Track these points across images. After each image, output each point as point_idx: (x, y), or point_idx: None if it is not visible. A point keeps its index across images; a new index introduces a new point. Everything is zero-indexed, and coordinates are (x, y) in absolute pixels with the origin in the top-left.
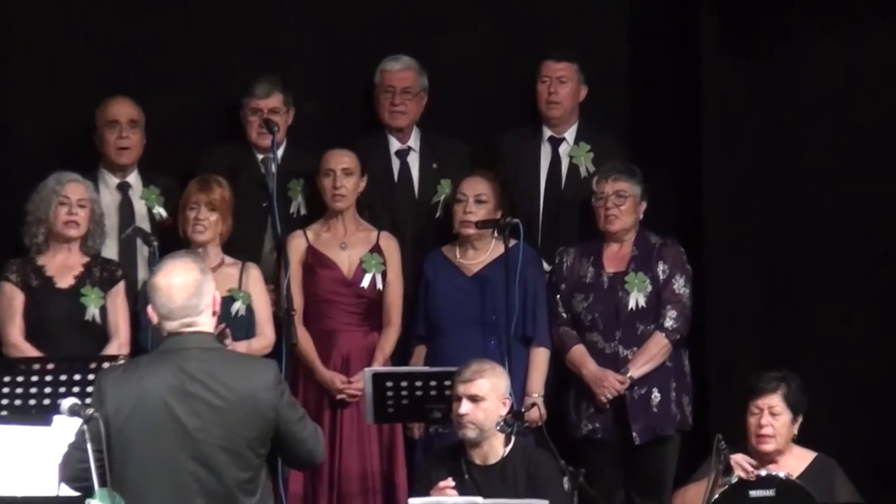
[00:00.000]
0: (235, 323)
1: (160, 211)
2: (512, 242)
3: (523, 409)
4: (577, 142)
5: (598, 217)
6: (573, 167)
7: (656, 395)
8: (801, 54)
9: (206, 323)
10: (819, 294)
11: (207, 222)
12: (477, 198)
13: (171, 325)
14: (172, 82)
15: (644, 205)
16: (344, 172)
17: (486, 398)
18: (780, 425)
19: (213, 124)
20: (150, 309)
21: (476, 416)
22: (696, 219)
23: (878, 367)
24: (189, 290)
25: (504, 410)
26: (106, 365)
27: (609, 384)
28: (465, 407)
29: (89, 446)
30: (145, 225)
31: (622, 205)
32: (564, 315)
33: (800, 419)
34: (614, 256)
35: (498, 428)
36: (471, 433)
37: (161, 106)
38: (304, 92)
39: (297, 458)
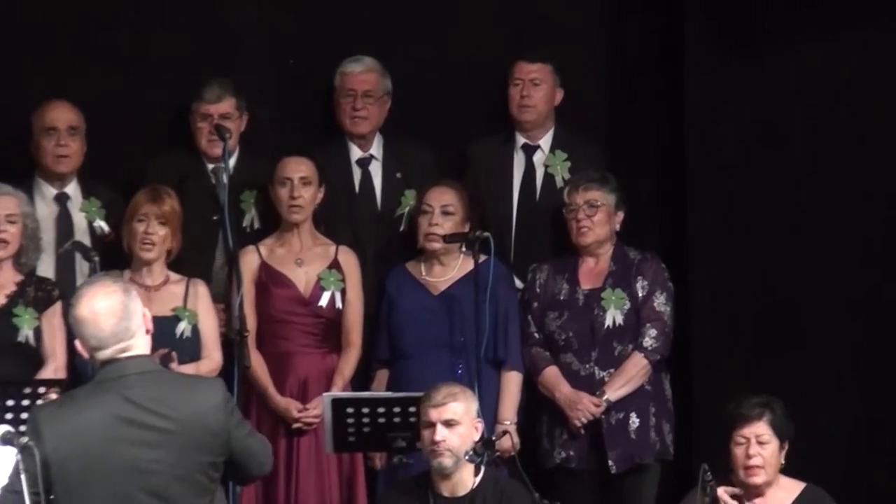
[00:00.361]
0: (181, 345)
1: (101, 224)
2: (482, 258)
3: (494, 438)
4: (552, 150)
5: (570, 230)
6: (548, 177)
7: (634, 421)
8: (791, 56)
9: (141, 345)
10: (812, 313)
11: (157, 237)
12: (444, 209)
13: (104, 355)
14: (116, 85)
15: (620, 215)
16: (301, 182)
17: (461, 422)
18: (768, 455)
19: (159, 131)
20: (78, 343)
21: (452, 443)
22: (679, 232)
23: (873, 391)
24: (117, 314)
25: (477, 436)
26: (42, 390)
27: (584, 407)
28: (441, 433)
29: (24, 486)
30: (85, 239)
31: (594, 215)
32: (537, 335)
33: (786, 446)
34: (590, 272)
35: (467, 458)
36: (447, 461)
37: (103, 111)
38: (258, 96)
39: (248, 473)
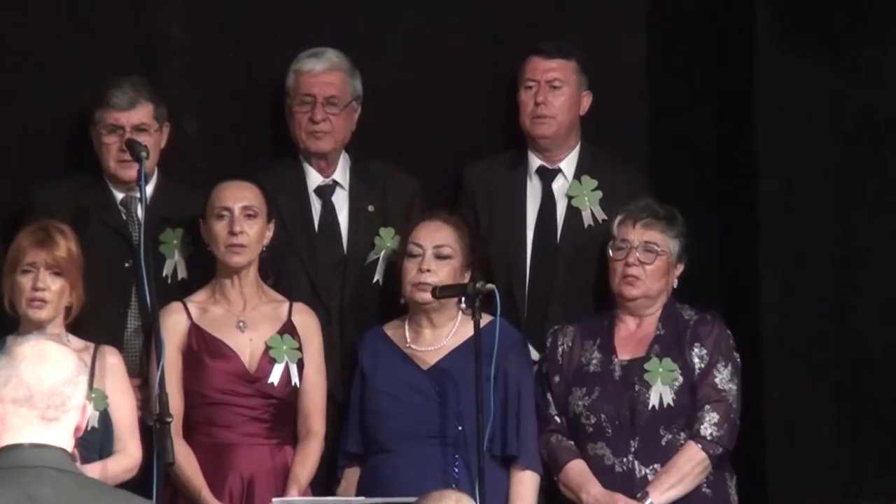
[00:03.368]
0: (85, 436)
1: None
2: (486, 319)
3: None
4: (577, 175)
5: (612, 275)
6: (573, 212)
7: None
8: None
9: (66, 433)
10: None
11: (50, 293)
12: (438, 251)
13: (16, 422)
14: None
15: (680, 268)
16: (245, 214)
17: None
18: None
19: (50, 149)
20: None
21: None
22: (749, 286)
23: None
24: (65, 372)
25: None
26: None
27: None
28: None
29: None
30: None
31: (650, 263)
32: (558, 419)
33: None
34: (631, 337)
35: None
36: None
37: None
38: (183, 103)
39: None
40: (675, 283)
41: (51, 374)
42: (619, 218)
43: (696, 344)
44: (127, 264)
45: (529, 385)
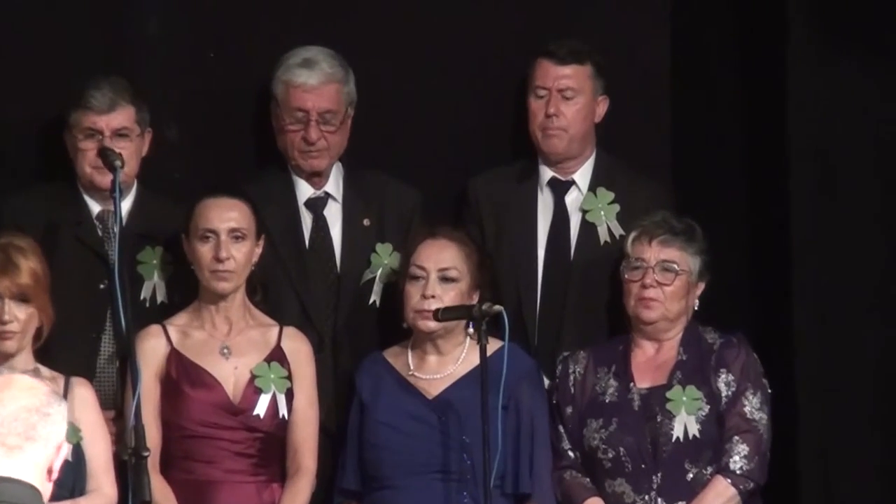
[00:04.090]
0: None
1: None
2: (496, 345)
3: None
4: (592, 187)
5: (626, 297)
6: (587, 227)
7: None
8: None
9: (34, 468)
10: None
11: (17, 323)
12: (443, 274)
13: None
14: None
15: (701, 287)
16: (231, 235)
17: None
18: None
19: (20, 156)
20: None
21: None
22: (780, 308)
23: None
24: (32, 400)
25: None
26: None
27: None
28: None
29: None
30: None
31: (668, 283)
32: (572, 453)
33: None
34: (650, 363)
35: None
36: None
37: None
38: (163, 108)
39: None
40: (696, 304)
41: (14, 400)
42: (633, 235)
43: (721, 370)
44: (102, 285)
45: (544, 417)
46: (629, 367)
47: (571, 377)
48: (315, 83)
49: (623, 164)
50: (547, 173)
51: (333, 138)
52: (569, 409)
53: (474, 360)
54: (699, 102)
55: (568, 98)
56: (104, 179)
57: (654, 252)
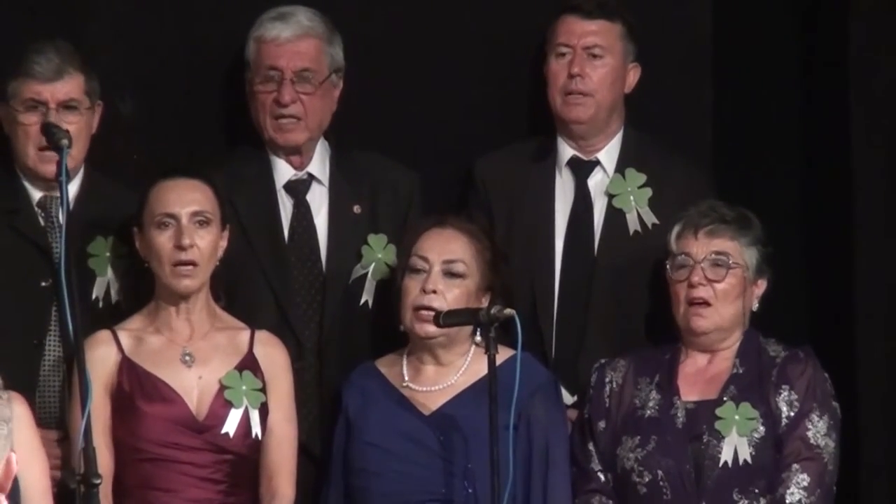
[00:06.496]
0: None
1: None
2: (506, 354)
3: None
4: (620, 168)
5: (675, 303)
6: (615, 214)
7: None
8: None
9: None
10: None
11: None
12: (448, 268)
13: None
14: None
15: (762, 286)
16: (194, 220)
17: None
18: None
19: None
20: None
21: None
22: (840, 317)
23: None
24: None
25: None
26: None
27: None
28: None
29: None
30: None
31: (720, 280)
32: (602, 476)
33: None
34: (699, 374)
35: None
36: None
37: None
38: (117, 78)
39: None
40: (756, 306)
41: None
42: (676, 228)
43: (784, 386)
44: (45, 283)
45: (560, 437)
46: (675, 378)
47: (607, 387)
48: (289, 35)
49: (655, 142)
50: (567, 151)
51: (312, 103)
52: (601, 424)
53: (479, 370)
54: (745, 74)
55: (595, 56)
56: (49, 163)
57: (701, 245)
